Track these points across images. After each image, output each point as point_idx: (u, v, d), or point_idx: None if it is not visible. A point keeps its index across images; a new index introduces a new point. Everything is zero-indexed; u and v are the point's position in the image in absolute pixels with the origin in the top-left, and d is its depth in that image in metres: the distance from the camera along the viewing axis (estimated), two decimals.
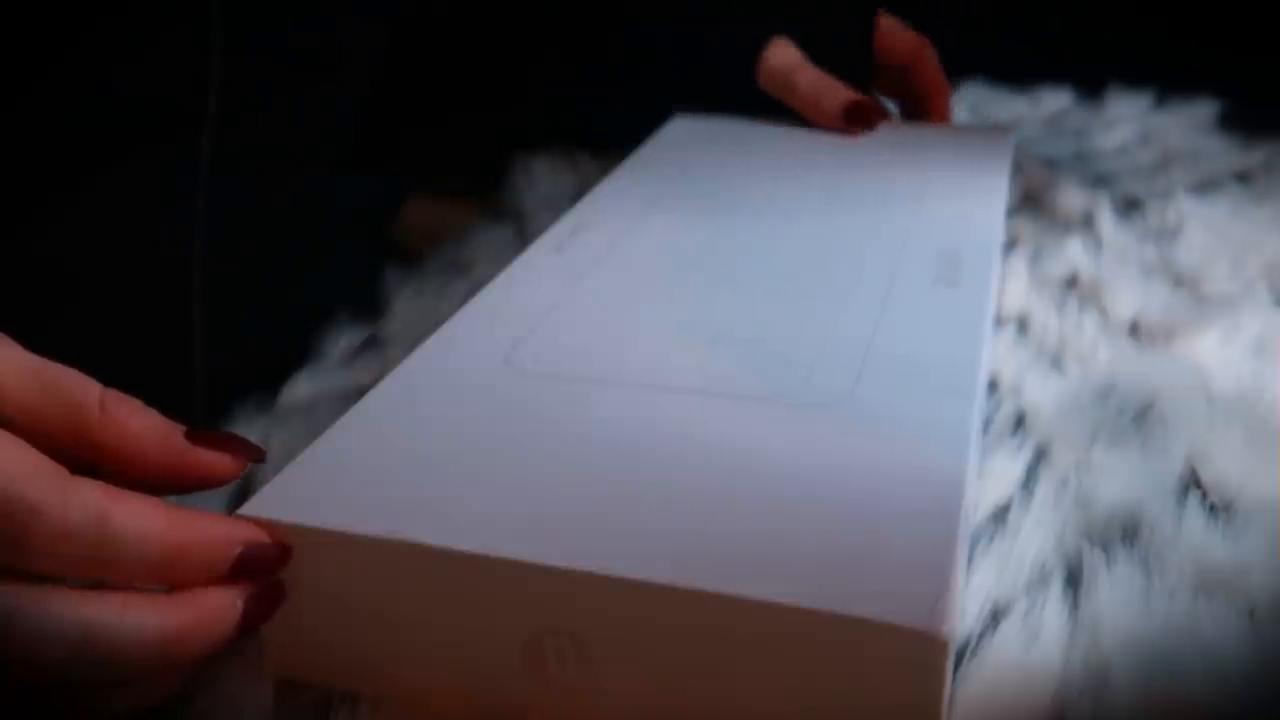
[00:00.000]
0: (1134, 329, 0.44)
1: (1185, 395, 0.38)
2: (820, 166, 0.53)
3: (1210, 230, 0.51)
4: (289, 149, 0.49)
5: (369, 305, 0.48)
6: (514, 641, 0.26)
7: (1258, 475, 0.34)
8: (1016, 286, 0.46)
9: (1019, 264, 0.48)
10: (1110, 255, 0.50)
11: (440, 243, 0.55)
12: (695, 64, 0.59)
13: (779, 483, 0.27)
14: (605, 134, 0.63)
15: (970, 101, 0.76)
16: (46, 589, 0.23)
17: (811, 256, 0.42)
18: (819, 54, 0.58)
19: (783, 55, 0.58)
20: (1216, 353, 0.41)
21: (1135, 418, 0.37)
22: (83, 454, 0.26)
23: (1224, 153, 0.64)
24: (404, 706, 0.28)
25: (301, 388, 0.42)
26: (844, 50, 0.59)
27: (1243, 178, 0.60)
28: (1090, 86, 0.75)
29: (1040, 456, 0.35)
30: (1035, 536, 0.32)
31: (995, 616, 0.29)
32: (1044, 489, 0.34)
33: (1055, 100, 0.75)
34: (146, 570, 0.24)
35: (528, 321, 0.37)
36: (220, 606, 0.25)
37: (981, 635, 0.28)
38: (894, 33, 0.61)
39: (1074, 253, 0.49)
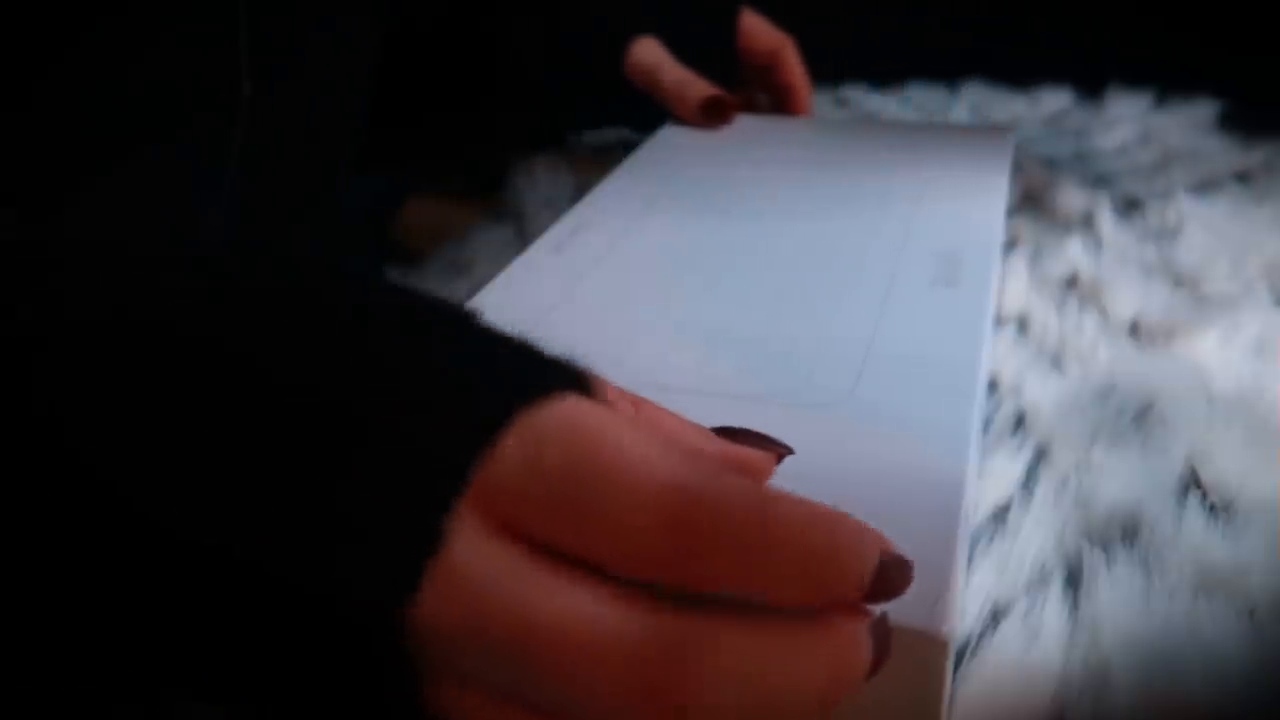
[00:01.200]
0: (1134, 329, 0.44)
1: (1185, 395, 0.38)
2: (820, 166, 0.53)
3: (1210, 230, 0.51)
4: (300, 146, 0.49)
5: None
6: None
7: (1258, 475, 0.34)
8: (1016, 286, 0.46)
9: (1019, 264, 0.48)
10: (1110, 255, 0.50)
11: (440, 243, 0.55)
12: (563, 66, 0.62)
13: (779, 483, 0.27)
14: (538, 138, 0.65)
15: (970, 101, 0.76)
16: (716, 622, 0.19)
17: (811, 256, 0.42)
18: (684, 51, 0.61)
19: (647, 53, 0.61)
20: (1216, 353, 0.41)
21: (1135, 418, 0.37)
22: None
23: (1224, 153, 0.64)
24: None
25: None
26: (708, 46, 0.62)
27: (1243, 178, 0.60)
28: (1090, 86, 0.75)
29: (1040, 456, 0.35)
30: (1035, 536, 0.32)
31: (995, 616, 0.29)
32: (1044, 489, 0.34)
33: (1055, 100, 0.75)
34: (809, 576, 0.19)
35: (528, 321, 0.37)
36: (860, 641, 0.20)
37: (981, 635, 0.28)
38: (756, 32, 0.64)
39: (1074, 253, 0.49)
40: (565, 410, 0.20)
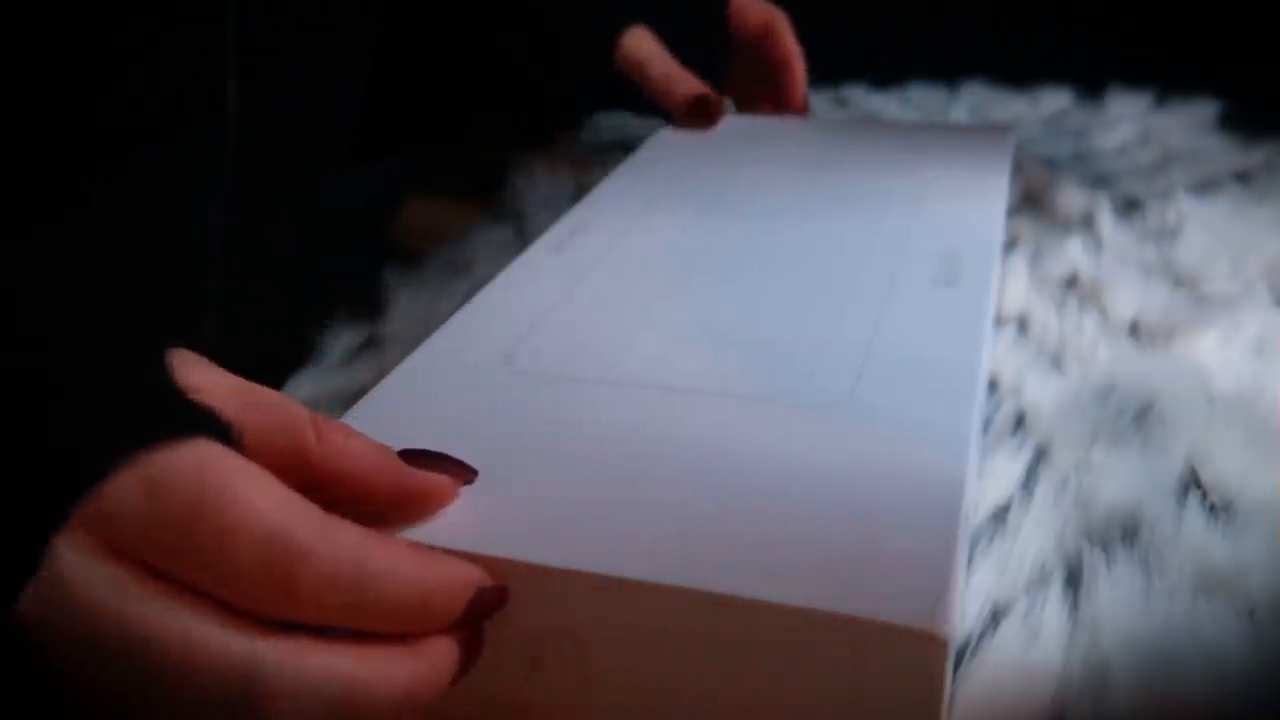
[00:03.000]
0: (1134, 329, 0.44)
1: (1185, 395, 0.38)
2: (820, 167, 0.53)
3: (1210, 230, 0.52)
4: (298, 147, 0.49)
5: (369, 305, 0.48)
6: (514, 642, 0.26)
7: (1258, 475, 0.34)
8: (1016, 286, 0.46)
9: (1019, 264, 0.48)
10: (1110, 255, 0.50)
11: (440, 243, 0.55)
12: (555, 59, 0.61)
13: (779, 483, 0.27)
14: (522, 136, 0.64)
15: (970, 101, 0.76)
16: (306, 641, 0.22)
17: (812, 257, 0.42)
18: (674, 32, 0.60)
19: (638, 43, 0.60)
20: (1216, 353, 0.41)
21: (1135, 418, 0.37)
22: (303, 479, 0.24)
23: (1224, 153, 0.64)
24: None
25: (301, 388, 0.42)
26: (697, 27, 0.62)
27: (1243, 178, 0.60)
28: (1090, 86, 0.75)
29: (1040, 456, 0.35)
30: (1035, 536, 0.32)
31: (995, 616, 0.29)
32: (1044, 489, 0.34)
33: (1055, 100, 0.75)
34: (399, 616, 0.23)
35: (528, 321, 0.37)
36: (447, 654, 0.24)
37: (981, 635, 0.28)
38: (745, 7, 0.63)
39: (1074, 253, 0.49)
40: (190, 454, 0.22)
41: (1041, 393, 0.39)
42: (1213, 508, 0.33)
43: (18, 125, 0.37)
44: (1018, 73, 0.77)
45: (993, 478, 0.34)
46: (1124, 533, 0.32)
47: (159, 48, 0.39)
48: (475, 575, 0.25)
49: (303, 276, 0.51)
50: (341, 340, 0.45)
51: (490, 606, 0.25)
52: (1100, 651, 0.27)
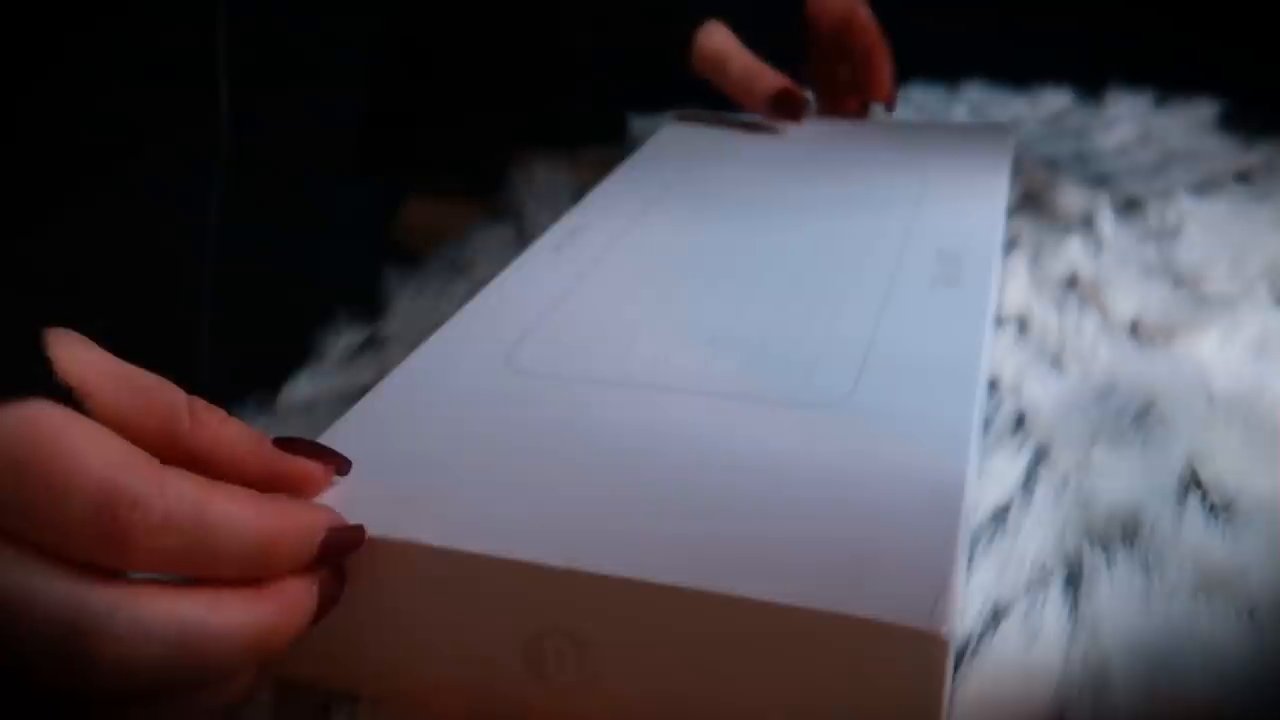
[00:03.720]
0: (1134, 329, 0.44)
1: (1185, 395, 0.38)
2: (820, 167, 0.53)
3: (1210, 230, 0.52)
4: (295, 148, 0.49)
5: (369, 305, 0.48)
6: (514, 642, 0.26)
7: (1258, 475, 0.34)
8: (1016, 286, 0.46)
9: (1019, 264, 0.48)
10: (1110, 255, 0.50)
11: (440, 243, 0.55)
12: (628, 55, 0.60)
13: (779, 483, 0.27)
14: (572, 135, 0.63)
15: (970, 101, 0.76)
16: (140, 587, 0.22)
17: (811, 256, 0.42)
18: (750, 29, 0.59)
19: (715, 40, 0.58)
20: (1216, 353, 0.41)
21: (1135, 418, 0.37)
22: (174, 460, 0.25)
23: (1224, 153, 0.64)
24: (404, 706, 0.28)
25: (302, 388, 0.42)
26: (775, 21, 0.60)
27: (1243, 178, 0.60)
28: (1090, 86, 0.75)
29: (1040, 456, 0.35)
30: (1035, 536, 0.32)
31: (995, 616, 0.29)
32: (1044, 489, 0.34)
33: (1055, 100, 0.75)
34: (241, 563, 0.24)
35: (528, 321, 0.37)
36: (301, 596, 0.25)
37: (981, 635, 0.28)
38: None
39: (1074, 253, 0.49)
40: (21, 414, 0.22)
41: (1041, 393, 0.39)
42: (1213, 508, 0.33)
43: (7, 131, 0.37)
44: (1018, 73, 0.77)
45: (993, 478, 0.34)
46: (1124, 533, 0.32)
47: (149, 54, 0.39)
48: (324, 518, 0.25)
49: (303, 277, 0.51)
50: (341, 340, 0.45)
51: (347, 546, 0.25)
52: (1100, 651, 0.27)
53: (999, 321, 0.44)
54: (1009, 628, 0.28)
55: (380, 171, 0.62)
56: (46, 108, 0.38)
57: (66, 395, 0.24)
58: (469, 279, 0.50)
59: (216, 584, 0.23)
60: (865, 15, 0.61)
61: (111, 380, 0.25)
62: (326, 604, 0.25)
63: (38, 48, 0.36)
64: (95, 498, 0.22)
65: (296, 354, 0.44)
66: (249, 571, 0.24)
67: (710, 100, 0.60)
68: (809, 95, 0.60)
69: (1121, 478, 0.34)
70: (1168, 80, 0.72)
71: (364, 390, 0.33)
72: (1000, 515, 0.33)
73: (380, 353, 0.44)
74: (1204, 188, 0.58)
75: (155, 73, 0.40)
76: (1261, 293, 0.46)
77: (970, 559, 0.31)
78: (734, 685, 0.25)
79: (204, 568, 0.23)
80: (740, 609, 0.24)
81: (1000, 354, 0.41)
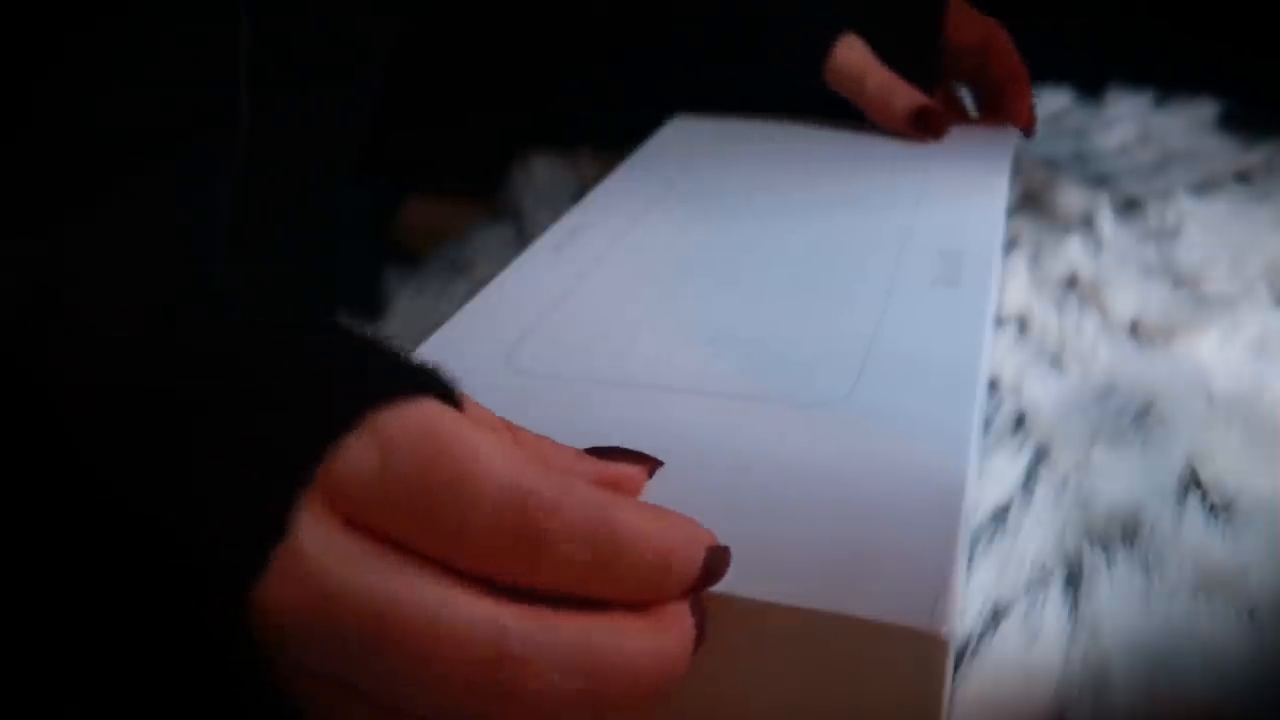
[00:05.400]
0: (1134, 329, 0.44)
1: (1185, 395, 0.38)
2: (821, 166, 0.53)
3: (1210, 230, 0.52)
4: (310, 149, 0.49)
5: (369, 305, 0.48)
6: None
7: (1258, 475, 0.34)
8: (1016, 286, 0.46)
9: (1019, 264, 0.48)
10: (1110, 255, 0.50)
11: (440, 243, 0.55)
12: (758, 63, 0.58)
13: (779, 483, 0.27)
14: (613, 136, 0.63)
15: (971, 102, 0.76)
16: (553, 613, 0.20)
17: (812, 256, 0.42)
18: (887, 45, 0.57)
19: (852, 53, 0.57)
20: (1216, 353, 0.41)
21: (1135, 418, 0.37)
22: None
23: (1224, 153, 0.64)
24: None
25: None
26: (913, 39, 0.58)
27: (1243, 178, 0.60)
28: (1090, 86, 0.75)
29: (1040, 456, 0.35)
30: (1035, 536, 0.32)
31: (995, 616, 0.29)
32: (1044, 489, 0.34)
33: (1055, 100, 0.75)
34: (640, 580, 0.21)
35: (528, 321, 0.37)
36: (690, 626, 0.22)
37: (981, 635, 0.28)
38: (964, 17, 0.59)
39: (1074, 253, 0.49)
40: (417, 412, 0.21)
41: (1041, 393, 0.39)
42: (1213, 508, 0.33)
43: (24, 131, 0.36)
44: None
45: (993, 478, 0.34)
46: (1124, 533, 0.32)
47: (170, 54, 0.39)
48: (706, 534, 0.23)
49: (303, 277, 0.51)
50: None
51: (721, 568, 0.23)
52: (1100, 651, 0.27)
53: (999, 321, 0.44)
54: (1009, 628, 0.28)
55: (381, 171, 0.62)
56: (65, 107, 0.38)
57: (449, 392, 0.22)
58: (469, 279, 0.50)
59: (614, 607, 0.21)
60: (1005, 39, 0.59)
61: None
62: (701, 637, 0.23)
63: (56, 47, 0.36)
64: (507, 502, 0.20)
65: None
66: (645, 591, 0.21)
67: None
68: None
69: (1121, 478, 0.34)
70: (1168, 80, 0.72)
71: None
72: (1000, 515, 0.33)
73: None
74: (1204, 188, 0.58)
75: (177, 74, 0.40)
76: (1261, 293, 0.46)
77: (970, 559, 0.31)
78: (734, 685, 0.25)
79: (607, 584, 0.21)
80: (740, 609, 0.24)
81: (1000, 354, 0.41)
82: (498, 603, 0.20)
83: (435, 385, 0.22)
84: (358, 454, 0.20)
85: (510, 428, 0.25)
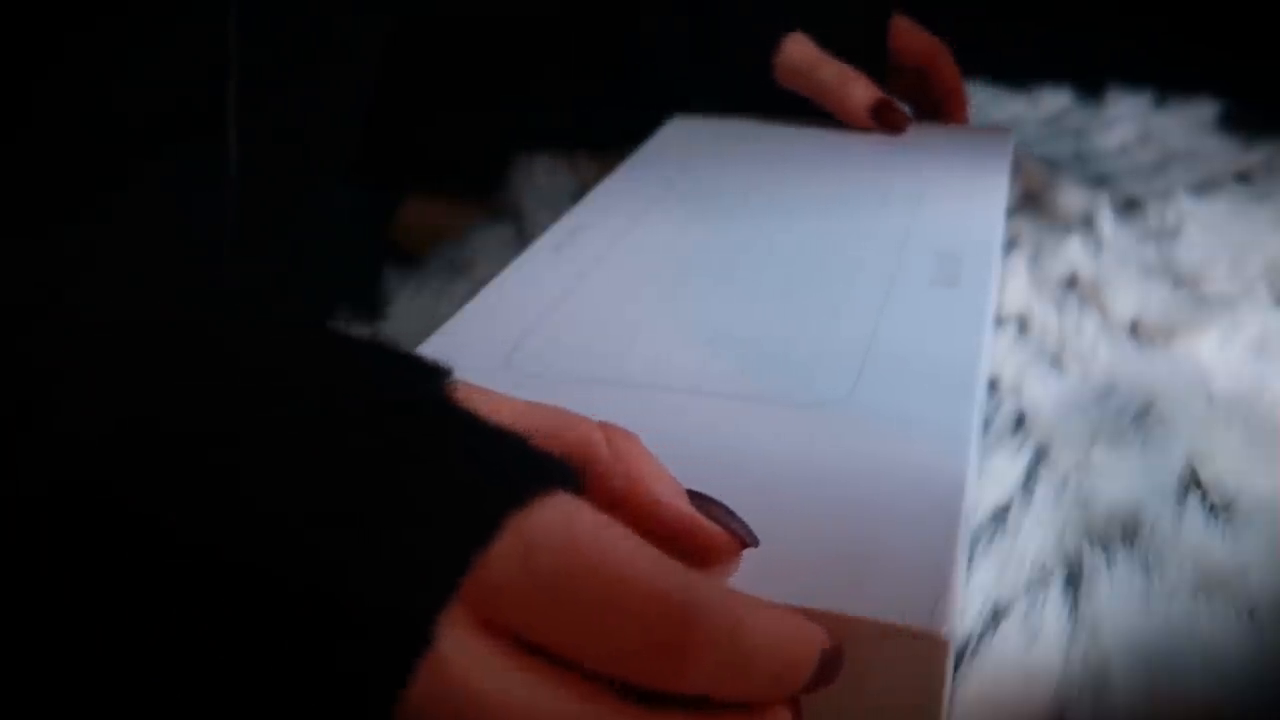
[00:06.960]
0: (1134, 329, 0.44)
1: (1185, 395, 0.38)
2: (820, 166, 0.53)
3: (1210, 230, 0.52)
4: (303, 149, 0.49)
5: (369, 305, 0.48)
6: None
7: (1258, 475, 0.34)
8: (1016, 286, 0.46)
9: (1019, 264, 0.48)
10: (1110, 255, 0.50)
11: (440, 243, 0.55)
12: (710, 63, 0.59)
13: (779, 483, 0.27)
14: (612, 136, 0.62)
15: (970, 101, 0.76)
16: (675, 715, 0.20)
17: (811, 256, 0.42)
18: (834, 48, 0.57)
19: (801, 50, 0.57)
20: (1216, 353, 0.41)
21: (1135, 418, 0.37)
22: (597, 501, 0.22)
23: (1224, 153, 0.64)
24: None
25: None
26: (858, 52, 0.58)
27: (1243, 178, 0.60)
28: (1090, 86, 0.75)
29: (1040, 456, 0.35)
30: (1035, 536, 0.32)
31: (995, 616, 0.29)
32: (1044, 489, 0.34)
33: (1055, 100, 0.75)
34: (765, 686, 0.21)
35: (528, 321, 0.37)
36: None
37: (981, 635, 0.28)
38: (909, 34, 0.60)
39: (1074, 253, 0.49)
40: (555, 513, 0.21)
41: (1041, 393, 0.39)
42: (1213, 508, 0.33)
43: (14, 134, 0.36)
44: (1018, 73, 0.77)
45: (993, 478, 0.34)
46: (1124, 533, 0.32)
47: (158, 54, 0.39)
48: (820, 634, 0.22)
49: (303, 277, 0.51)
50: None
51: (835, 671, 0.22)
52: (1100, 651, 0.27)
53: (999, 321, 0.44)
54: (1009, 628, 0.28)
55: (380, 172, 0.62)
56: (55, 107, 0.38)
57: (574, 482, 0.22)
58: (469, 279, 0.50)
59: (728, 711, 0.21)
60: (946, 58, 0.60)
61: (522, 418, 0.23)
62: None
63: (48, 47, 0.36)
64: (653, 612, 0.20)
65: None
66: (766, 694, 0.22)
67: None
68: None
69: (1121, 478, 0.34)
70: (1168, 80, 0.72)
71: None
72: (1000, 515, 0.33)
73: None
74: (1204, 188, 0.58)
75: (165, 74, 0.39)
76: (1261, 293, 0.46)
77: (970, 559, 0.31)
78: None
79: (737, 689, 0.21)
80: None
81: (1000, 354, 0.41)
82: (619, 712, 0.20)
83: (564, 477, 0.22)
84: (500, 560, 0.20)
85: (620, 442, 0.25)
